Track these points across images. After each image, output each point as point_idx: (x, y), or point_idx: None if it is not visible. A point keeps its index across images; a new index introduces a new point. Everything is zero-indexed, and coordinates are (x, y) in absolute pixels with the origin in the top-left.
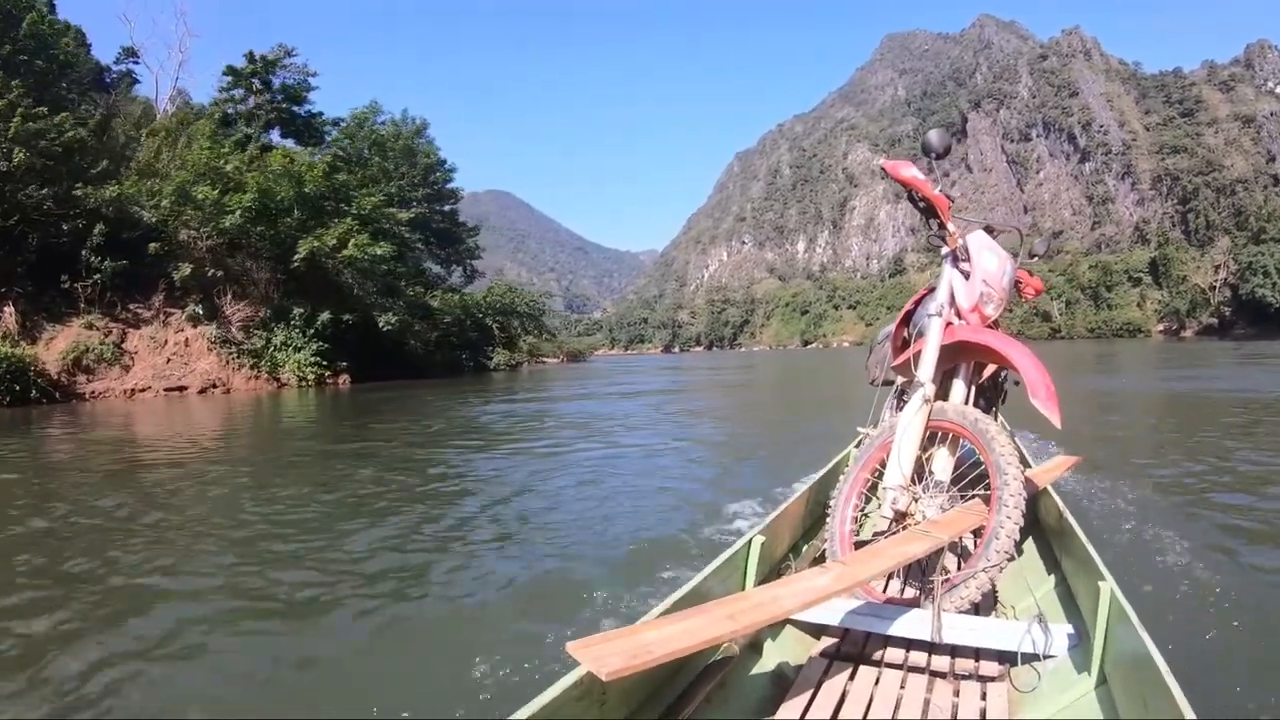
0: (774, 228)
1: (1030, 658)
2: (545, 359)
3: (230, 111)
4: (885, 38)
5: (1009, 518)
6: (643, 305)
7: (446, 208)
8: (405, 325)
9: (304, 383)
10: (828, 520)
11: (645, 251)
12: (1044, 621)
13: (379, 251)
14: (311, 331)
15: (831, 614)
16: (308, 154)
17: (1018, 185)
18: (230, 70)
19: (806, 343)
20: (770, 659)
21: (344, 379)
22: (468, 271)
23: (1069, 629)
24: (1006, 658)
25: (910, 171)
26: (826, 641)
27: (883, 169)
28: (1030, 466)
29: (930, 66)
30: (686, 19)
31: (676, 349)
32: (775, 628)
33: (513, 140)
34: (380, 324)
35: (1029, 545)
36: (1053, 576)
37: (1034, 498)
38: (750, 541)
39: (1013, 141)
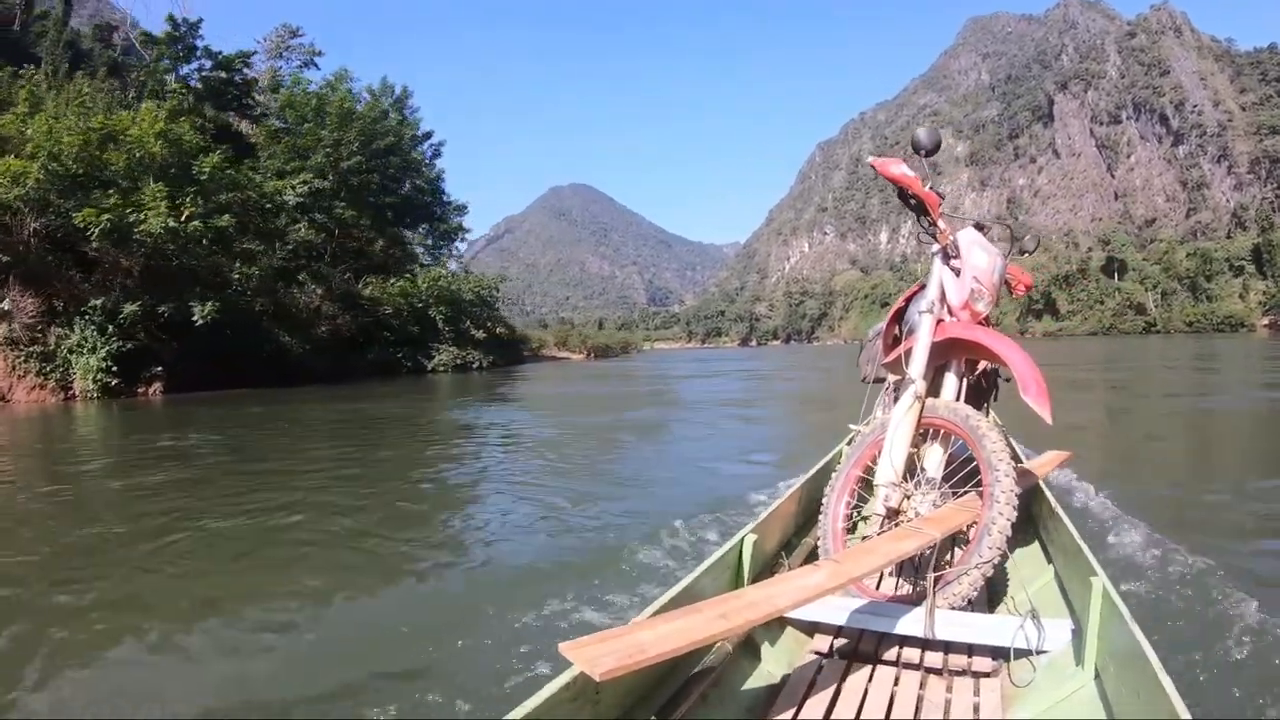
0: (856, 218)
1: (1024, 653)
2: (557, 355)
3: (150, 82)
4: (968, 21)
5: (1001, 514)
6: (723, 298)
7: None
8: (251, 317)
9: (93, 394)
10: (820, 518)
11: (728, 244)
12: (1037, 617)
13: (191, 225)
14: (113, 328)
15: (825, 611)
16: (154, 109)
17: (1108, 170)
18: (146, 37)
19: None
20: (764, 657)
21: (155, 388)
22: (450, 253)
23: (1062, 624)
24: (1000, 653)
25: (900, 169)
26: (820, 639)
27: (872, 166)
28: (1022, 462)
29: (1014, 49)
30: (768, 8)
31: (754, 342)
32: (769, 626)
33: (595, 134)
34: (195, 317)
35: (1021, 541)
36: (1045, 572)
37: (1026, 493)
38: (743, 540)
39: (1102, 124)
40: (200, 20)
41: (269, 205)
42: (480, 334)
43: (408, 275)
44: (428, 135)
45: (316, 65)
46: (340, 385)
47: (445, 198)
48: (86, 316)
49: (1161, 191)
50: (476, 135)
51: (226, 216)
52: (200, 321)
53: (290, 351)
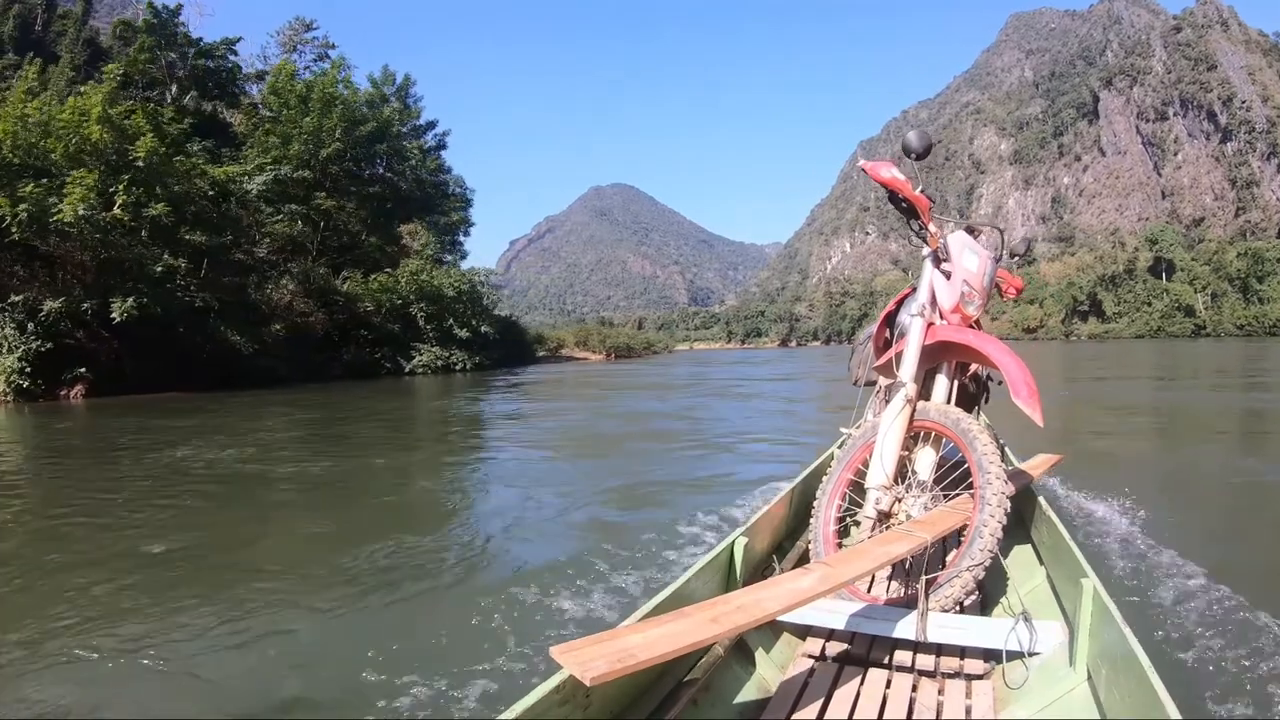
0: (898, 217)
1: (1016, 655)
2: (575, 355)
3: (133, 73)
4: (1011, 17)
5: (992, 516)
6: (764, 298)
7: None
8: (195, 314)
9: (8, 398)
10: (811, 521)
11: (770, 244)
12: (1029, 619)
13: (112, 214)
14: (34, 326)
15: (816, 615)
16: (92, 94)
17: (1154, 169)
18: (124, 26)
19: None
20: (756, 661)
21: (77, 390)
22: (453, 248)
23: (1053, 626)
24: (991, 656)
25: (891, 172)
26: (812, 642)
27: (862, 170)
28: (1012, 465)
29: (1058, 45)
30: (810, 6)
31: (793, 343)
32: (761, 629)
33: (637, 133)
34: (114, 314)
35: (1012, 543)
36: (1036, 574)
37: (1017, 496)
38: (734, 543)
39: (1148, 121)
40: (180, 6)
41: (216, 194)
42: (463, 332)
43: (386, 271)
44: (431, 125)
45: (331, 59)
46: (303, 388)
47: (449, 190)
48: (6, 314)
49: (1210, 190)
50: (518, 134)
51: (161, 205)
52: (118, 318)
53: (240, 352)
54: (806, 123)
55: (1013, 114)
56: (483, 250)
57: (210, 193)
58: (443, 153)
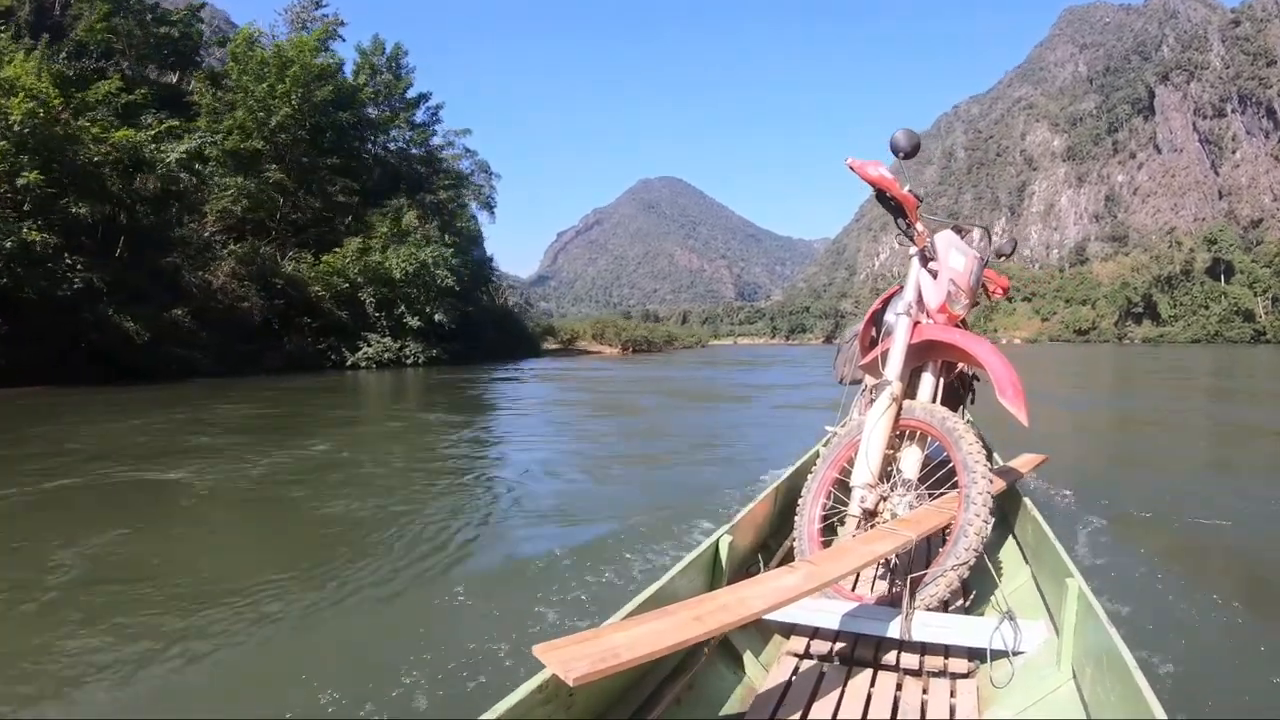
0: (948, 213)
1: (999, 654)
2: (589, 349)
3: (89, 42)
4: (1065, 11)
5: (977, 515)
6: (810, 294)
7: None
8: (71, 298)
9: None
10: (796, 519)
11: (818, 239)
12: (1013, 618)
13: None
14: None
15: (801, 613)
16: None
17: (1211, 167)
18: None
19: None
20: (739, 659)
21: None
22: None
23: (1038, 625)
24: (976, 654)
25: (879, 171)
26: (796, 641)
27: (850, 167)
28: (998, 464)
29: (1112, 40)
30: (862, 6)
31: (836, 340)
32: (745, 628)
33: (685, 126)
34: None
35: (997, 542)
36: (1021, 573)
37: (1002, 495)
38: (718, 541)
39: (1205, 118)
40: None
41: (128, 164)
42: (414, 321)
43: (336, 250)
44: (423, 97)
45: (342, 37)
46: (214, 384)
47: (442, 165)
48: None
49: (1269, 190)
50: (567, 126)
51: (33, 174)
52: None
53: (132, 341)
54: (857, 118)
55: (1066, 109)
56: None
57: (98, 160)
58: (438, 127)
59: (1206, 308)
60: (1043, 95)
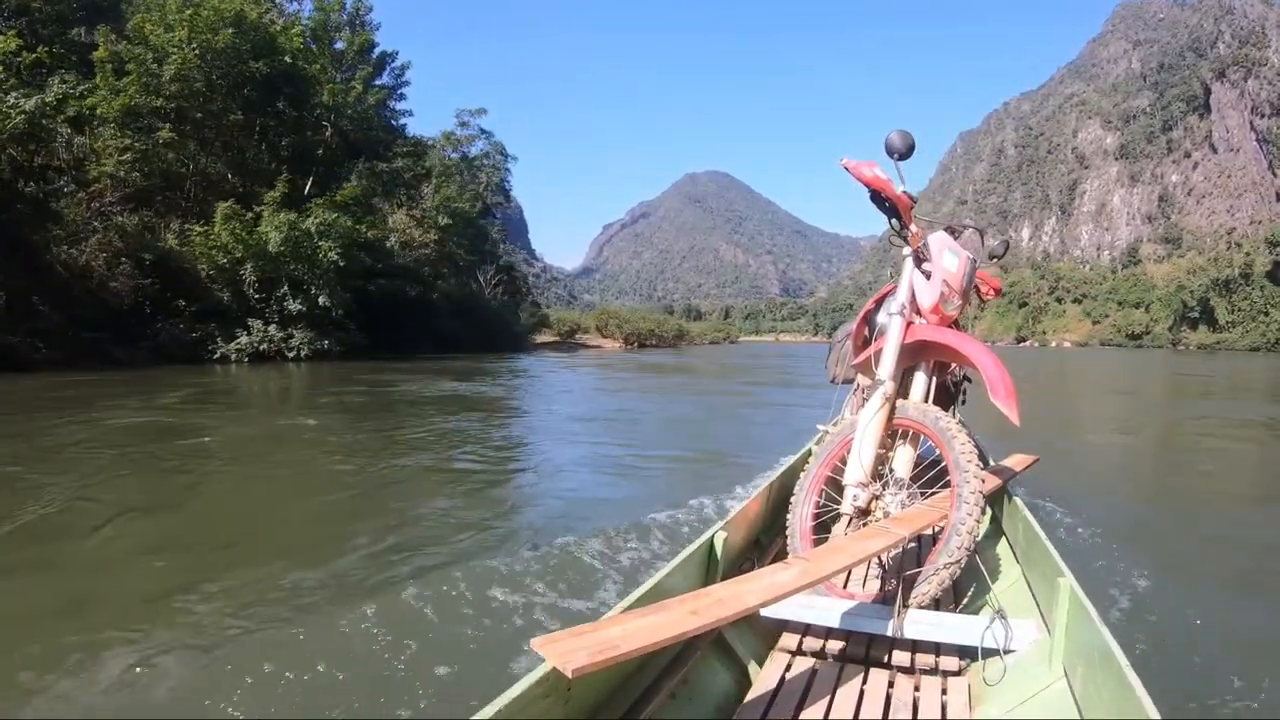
0: (997, 212)
1: (991, 653)
2: (588, 343)
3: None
4: (1119, 7)
5: (969, 514)
6: (855, 291)
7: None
8: None
9: None
10: (789, 517)
11: (865, 236)
12: (1004, 616)
13: None
14: None
15: (794, 610)
16: None
17: (1269, 168)
18: None
19: (1021, 339)
20: (733, 655)
21: None
22: (398, 201)
23: (1029, 624)
24: (967, 653)
25: (873, 171)
26: (789, 637)
27: (844, 168)
28: (990, 464)
29: (1167, 36)
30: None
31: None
32: (738, 624)
33: (733, 122)
34: None
35: (989, 541)
36: (1013, 572)
37: (994, 495)
38: (713, 537)
39: (1263, 116)
40: None
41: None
42: (296, 304)
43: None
44: (386, 57)
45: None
46: (23, 378)
47: (401, 133)
48: None
49: None
50: (614, 121)
51: None
52: None
53: None
54: (905, 115)
55: (1119, 106)
56: (575, 234)
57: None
58: (405, 90)
59: (1266, 314)
60: (1095, 92)
